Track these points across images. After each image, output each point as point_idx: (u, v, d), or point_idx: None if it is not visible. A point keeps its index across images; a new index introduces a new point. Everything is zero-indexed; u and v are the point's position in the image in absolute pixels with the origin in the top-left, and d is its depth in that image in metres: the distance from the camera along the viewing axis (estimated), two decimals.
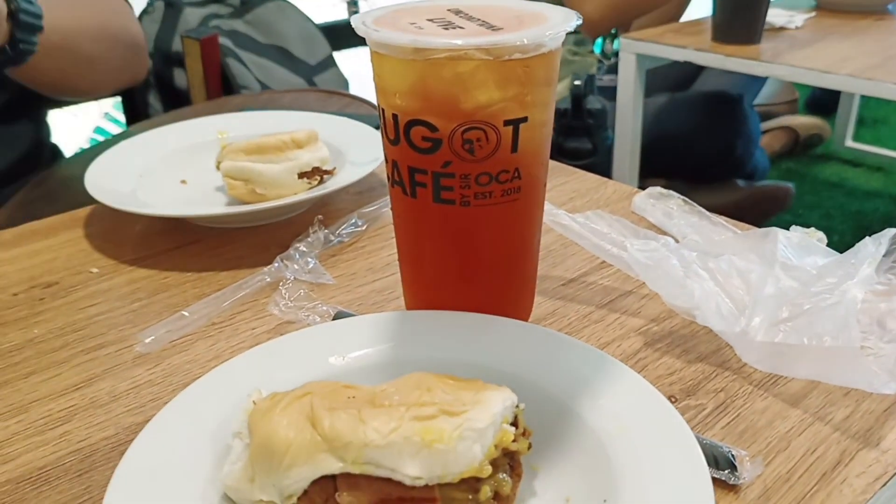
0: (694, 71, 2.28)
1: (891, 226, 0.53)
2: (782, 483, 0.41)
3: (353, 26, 0.44)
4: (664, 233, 0.66)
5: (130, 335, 0.55)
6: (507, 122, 0.43)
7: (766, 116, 2.41)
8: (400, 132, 0.44)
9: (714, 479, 0.38)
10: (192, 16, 1.49)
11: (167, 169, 0.78)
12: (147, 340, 0.53)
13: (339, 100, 1.27)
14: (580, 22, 0.45)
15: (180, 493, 0.36)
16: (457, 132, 0.43)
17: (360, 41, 0.45)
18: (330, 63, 1.67)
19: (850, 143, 2.59)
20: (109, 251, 0.67)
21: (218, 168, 0.73)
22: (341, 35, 1.99)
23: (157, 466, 0.37)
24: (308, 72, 1.59)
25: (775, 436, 0.44)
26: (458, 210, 0.45)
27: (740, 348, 0.50)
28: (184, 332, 0.55)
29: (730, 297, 0.52)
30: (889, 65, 1.25)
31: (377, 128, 0.97)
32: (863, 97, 2.45)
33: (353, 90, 1.81)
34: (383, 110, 0.45)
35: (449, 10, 0.47)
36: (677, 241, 0.64)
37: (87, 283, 0.62)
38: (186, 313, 0.56)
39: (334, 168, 0.75)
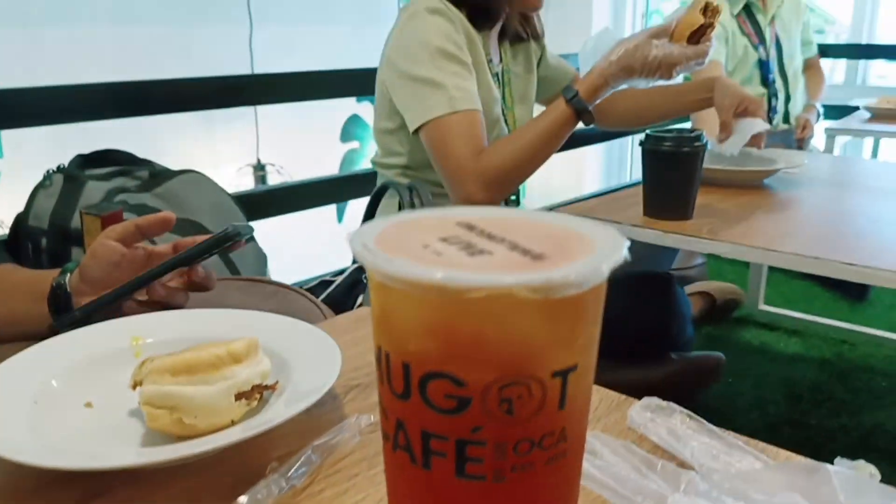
0: None
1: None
2: None
3: (353, 251, 0.34)
4: (672, 456, 0.58)
5: None
6: (555, 374, 0.33)
7: (681, 282, 2.44)
8: (412, 386, 0.34)
9: None
10: (95, 190, 1.36)
11: (68, 389, 0.63)
12: None
13: (263, 288, 1.15)
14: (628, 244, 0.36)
15: None
16: (492, 388, 0.32)
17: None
18: None
19: (763, 306, 2.64)
20: None
21: (133, 388, 0.59)
22: (255, 205, 1.91)
23: None
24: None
25: None
26: (490, 487, 0.34)
27: None
28: None
29: None
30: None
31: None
32: None
33: (270, 265, 1.71)
34: (388, 354, 0.35)
35: (459, 224, 0.38)
36: (694, 469, 0.56)
37: None
38: None
39: (277, 382, 0.63)
